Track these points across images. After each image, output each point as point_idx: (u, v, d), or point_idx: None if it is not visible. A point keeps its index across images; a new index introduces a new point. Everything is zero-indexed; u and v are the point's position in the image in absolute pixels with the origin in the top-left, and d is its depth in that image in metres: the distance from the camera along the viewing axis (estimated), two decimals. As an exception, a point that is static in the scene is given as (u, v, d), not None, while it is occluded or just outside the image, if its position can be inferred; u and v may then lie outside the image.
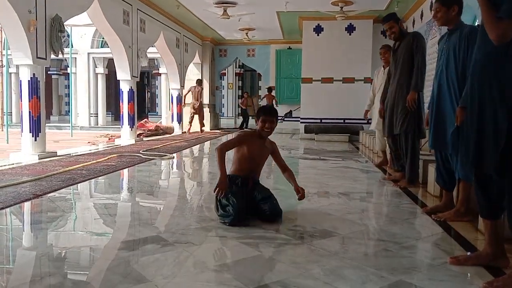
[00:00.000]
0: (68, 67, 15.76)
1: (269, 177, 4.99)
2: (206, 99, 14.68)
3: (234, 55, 15.19)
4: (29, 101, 6.00)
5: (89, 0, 7.34)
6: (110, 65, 14.72)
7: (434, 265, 2.15)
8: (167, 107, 14.56)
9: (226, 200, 2.82)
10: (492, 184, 2.00)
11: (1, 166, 5.29)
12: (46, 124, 6.59)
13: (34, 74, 6.02)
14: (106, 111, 16.95)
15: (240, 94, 21.29)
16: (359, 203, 3.79)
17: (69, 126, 12.86)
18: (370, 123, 6.60)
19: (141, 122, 11.83)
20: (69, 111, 16.41)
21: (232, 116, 19.88)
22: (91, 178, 4.57)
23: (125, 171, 5.31)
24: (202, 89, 12.74)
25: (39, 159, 5.91)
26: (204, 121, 13.36)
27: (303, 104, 11.49)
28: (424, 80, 4.15)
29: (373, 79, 6.31)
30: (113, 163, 5.67)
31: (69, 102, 18.97)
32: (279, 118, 13.96)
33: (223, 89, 20.41)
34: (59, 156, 6.40)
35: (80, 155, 6.62)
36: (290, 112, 13.76)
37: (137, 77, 9.46)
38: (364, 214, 3.29)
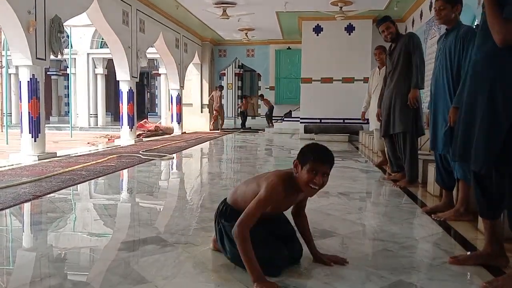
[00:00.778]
0: (68, 67, 15.76)
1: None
2: (206, 100, 14.70)
3: (234, 55, 15.19)
4: (29, 102, 6.00)
5: (89, 0, 7.35)
6: (109, 65, 14.71)
7: (434, 265, 2.15)
8: (166, 108, 14.56)
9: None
10: (491, 184, 2.00)
11: (1, 167, 5.29)
12: (46, 125, 6.59)
13: (33, 75, 6.02)
14: (106, 111, 16.94)
15: (239, 94, 21.27)
16: (358, 203, 3.79)
17: (69, 127, 12.85)
18: (369, 123, 6.60)
19: (140, 122, 11.83)
20: (68, 112, 16.41)
21: (232, 116, 19.87)
22: (90, 179, 4.57)
23: (125, 171, 5.30)
24: (222, 93, 14.72)
25: (38, 160, 5.91)
26: (204, 122, 14.06)
27: (302, 104, 11.49)
28: (424, 78, 4.16)
29: (369, 80, 6.32)
30: (112, 164, 5.66)
31: (68, 103, 18.97)
32: (279, 118, 13.98)
33: (223, 89, 20.41)
34: (58, 157, 6.40)
35: (80, 155, 6.61)
36: (290, 112, 13.77)
37: (137, 77, 9.46)
38: (364, 214, 3.29)
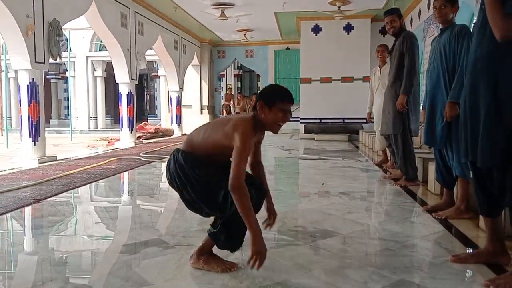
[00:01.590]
0: (67, 70, 15.76)
1: (269, 178, 4.99)
2: (205, 101, 14.71)
3: (233, 56, 15.19)
4: (28, 106, 6.00)
5: (87, 3, 7.35)
6: (108, 68, 14.72)
7: (436, 264, 2.15)
8: (166, 110, 14.56)
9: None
10: (491, 182, 2.00)
11: (1, 171, 5.29)
12: (46, 128, 6.59)
13: (32, 79, 6.02)
14: (106, 114, 16.94)
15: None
16: (359, 202, 3.79)
17: (69, 130, 12.85)
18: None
19: (140, 124, 11.83)
20: (68, 115, 16.41)
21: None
22: (91, 182, 4.57)
23: (125, 174, 5.30)
24: (232, 93, 15.75)
25: (39, 163, 5.92)
26: (204, 123, 13.93)
27: (302, 104, 11.49)
28: (413, 83, 4.11)
29: (370, 79, 6.31)
30: (113, 166, 5.66)
31: (68, 106, 18.96)
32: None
33: (222, 90, 20.41)
34: (59, 160, 6.40)
35: (80, 158, 6.62)
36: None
37: (136, 79, 9.46)
38: (365, 213, 3.29)
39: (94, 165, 5.76)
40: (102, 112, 16.50)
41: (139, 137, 10.25)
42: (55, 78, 21.86)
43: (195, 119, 14.35)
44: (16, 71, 6.63)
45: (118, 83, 9.27)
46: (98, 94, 16.37)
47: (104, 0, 7.89)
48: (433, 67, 3.14)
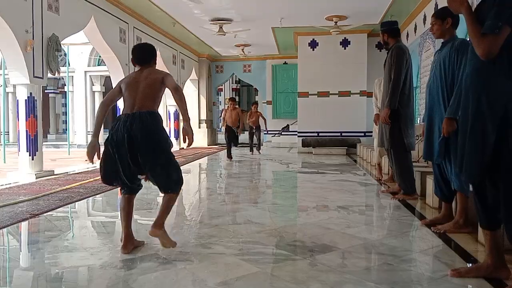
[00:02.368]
0: (65, 85, 15.81)
1: (267, 192, 4.97)
2: (203, 115, 14.75)
3: (231, 71, 15.30)
4: (26, 120, 6.01)
5: (86, 19, 7.41)
6: (107, 82, 14.76)
7: (435, 278, 2.13)
8: (164, 124, 14.59)
9: None
10: (486, 196, 2.01)
11: (-2, 186, 5.26)
12: (43, 143, 6.59)
13: (31, 93, 6.04)
14: (104, 128, 16.94)
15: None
16: (358, 216, 3.77)
17: (67, 145, 12.83)
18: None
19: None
20: (66, 129, 16.39)
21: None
22: (88, 197, 4.55)
23: (123, 188, 5.28)
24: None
25: (36, 178, 5.89)
26: (202, 137, 14.26)
27: (300, 118, 11.53)
28: (397, 97, 4.09)
29: (373, 91, 6.28)
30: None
31: (66, 120, 18.95)
32: (277, 132, 13.89)
33: (220, 104, 20.48)
34: (56, 174, 6.37)
35: (78, 173, 6.59)
36: (287, 126, 13.80)
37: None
38: (363, 228, 3.28)
39: (92, 179, 5.74)
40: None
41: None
42: (53, 92, 21.94)
43: (193, 133, 14.39)
44: (14, 86, 6.67)
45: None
46: (96, 109, 16.36)
47: (103, 16, 7.96)
48: (433, 81, 3.16)
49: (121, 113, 2.68)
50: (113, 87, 2.87)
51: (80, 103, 15.82)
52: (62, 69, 8.70)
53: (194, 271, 2.23)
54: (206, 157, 10.13)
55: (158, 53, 11.25)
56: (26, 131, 6.02)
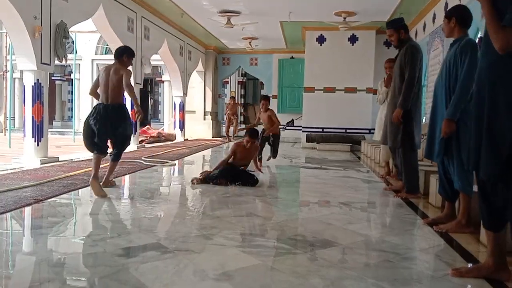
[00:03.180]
0: (72, 73, 15.83)
1: (270, 186, 4.98)
2: (209, 107, 14.75)
3: (237, 63, 15.26)
4: (32, 106, 6.03)
5: (94, 7, 7.41)
6: (113, 71, 14.77)
7: (435, 277, 2.14)
8: (169, 114, 14.59)
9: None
10: (496, 196, 2.00)
11: (3, 170, 5.30)
12: (49, 129, 6.61)
13: (38, 80, 6.05)
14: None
15: (242, 102, 21.29)
16: (360, 213, 3.77)
17: (72, 132, 12.88)
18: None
19: (143, 128, 11.85)
20: (72, 117, 16.43)
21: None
22: (92, 184, 4.56)
23: (127, 177, 5.30)
24: (235, 102, 14.57)
25: (41, 164, 5.92)
26: (207, 129, 14.53)
27: (305, 113, 11.51)
28: (411, 97, 4.04)
29: (377, 91, 6.27)
30: (114, 169, 5.65)
31: (72, 108, 19.00)
32: (282, 126, 13.99)
33: (226, 97, 20.46)
34: (61, 161, 6.41)
35: (82, 160, 6.62)
36: (292, 121, 13.78)
37: (141, 84, 9.50)
38: (365, 224, 3.28)
39: (96, 167, 5.76)
40: (105, 115, 16.52)
41: (141, 141, 10.26)
42: (60, 79, 21.98)
43: (198, 124, 14.41)
44: (21, 72, 6.68)
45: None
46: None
47: (112, 4, 7.95)
48: (438, 80, 3.15)
49: (98, 102, 4.27)
50: (95, 79, 4.61)
51: (86, 91, 15.81)
52: (69, 56, 8.71)
53: (195, 261, 2.24)
54: (210, 149, 10.14)
55: (164, 43, 11.18)
56: (32, 117, 6.05)
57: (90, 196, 4.02)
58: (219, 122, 15.89)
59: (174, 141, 11.98)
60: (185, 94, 12.64)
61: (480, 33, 5.87)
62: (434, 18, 7.96)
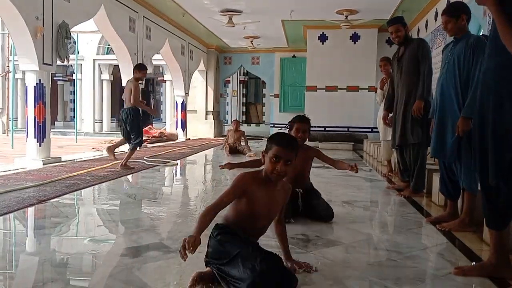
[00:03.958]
0: (74, 73, 15.86)
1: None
2: (210, 106, 14.75)
3: (239, 62, 15.25)
4: (35, 107, 6.04)
5: (96, 7, 7.41)
6: (115, 71, 14.80)
7: (439, 276, 2.13)
8: (171, 114, 14.61)
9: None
10: (499, 195, 1.99)
11: (6, 171, 5.32)
12: (51, 130, 6.63)
13: (40, 80, 6.06)
14: (111, 117, 17.01)
15: (244, 101, 21.27)
16: (363, 212, 3.77)
17: (74, 132, 12.91)
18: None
19: (145, 128, 11.86)
20: (74, 117, 16.47)
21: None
22: (94, 184, 4.58)
23: (129, 177, 5.31)
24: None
25: (43, 164, 5.94)
26: (208, 128, 14.43)
27: (307, 112, 11.36)
28: (430, 89, 4.08)
29: (377, 90, 6.27)
30: (117, 169, 5.67)
31: (74, 108, 19.05)
32: (283, 126, 13.86)
33: (227, 96, 20.46)
34: (63, 161, 6.42)
35: (84, 161, 6.63)
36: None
37: (142, 84, 9.50)
38: (368, 223, 3.27)
39: (98, 167, 5.78)
40: (108, 115, 16.56)
41: (143, 141, 10.26)
42: (62, 80, 22.02)
43: (200, 124, 14.42)
44: (23, 72, 6.69)
45: (124, 87, 9.30)
46: (104, 97, 16.45)
47: (113, 4, 7.96)
48: (445, 77, 3.09)
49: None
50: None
51: (88, 91, 15.86)
52: (71, 56, 8.72)
53: (198, 261, 2.24)
54: (212, 148, 10.15)
55: (166, 43, 11.20)
56: (35, 117, 6.06)
57: (93, 196, 4.03)
58: (221, 121, 15.89)
59: (176, 141, 11.99)
60: (186, 93, 12.65)
61: (482, 31, 5.85)
62: (436, 16, 7.94)
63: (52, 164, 6.03)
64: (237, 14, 9.51)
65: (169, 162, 6.80)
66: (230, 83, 20.30)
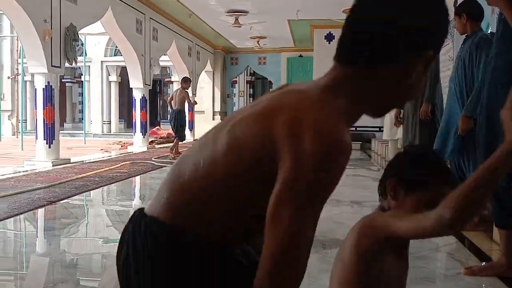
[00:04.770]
0: (82, 75, 15.97)
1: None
2: (217, 107, 14.78)
3: (246, 63, 15.26)
4: (44, 109, 6.09)
5: (103, 9, 7.46)
6: (123, 73, 14.88)
7: (448, 276, 2.12)
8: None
9: None
10: (508, 194, 1.97)
11: (16, 173, 5.37)
12: (60, 131, 6.68)
13: (48, 82, 6.11)
14: (119, 118, 17.12)
15: (251, 102, 21.24)
16: (371, 211, 3.74)
17: (83, 133, 13.00)
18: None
19: (153, 129, 11.92)
20: (82, 119, 16.59)
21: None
22: (103, 185, 4.61)
23: (138, 178, 5.34)
24: None
25: (52, 166, 5.98)
26: None
27: (314, 112, 11.45)
28: (436, 91, 4.00)
29: None
30: (125, 170, 5.70)
31: (82, 110, 19.18)
32: None
33: (235, 96, 20.48)
34: (72, 163, 6.47)
35: (93, 162, 6.68)
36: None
37: (150, 85, 9.55)
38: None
39: (107, 168, 5.81)
40: (116, 116, 16.66)
41: (151, 142, 10.32)
42: (70, 82, 22.17)
43: (207, 124, 14.45)
44: (32, 75, 6.75)
45: (132, 88, 9.36)
46: (112, 99, 16.56)
47: (120, 6, 8.00)
48: (454, 76, 3.09)
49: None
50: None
51: (96, 93, 15.97)
52: (79, 58, 8.79)
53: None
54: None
55: (173, 44, 11.31)
56: (44, 119, 6.11)
57: (102, 197, 4.05)
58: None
59: (184, 142, 12.01)
60: (194, 94, 12.68)
61: (490, 28, 5.79)
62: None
63: (61, 166, 6.07)
64: (243, 14, 9.52)
65: (177, 162, 6.82)
66: (237, 83, 20.31)
